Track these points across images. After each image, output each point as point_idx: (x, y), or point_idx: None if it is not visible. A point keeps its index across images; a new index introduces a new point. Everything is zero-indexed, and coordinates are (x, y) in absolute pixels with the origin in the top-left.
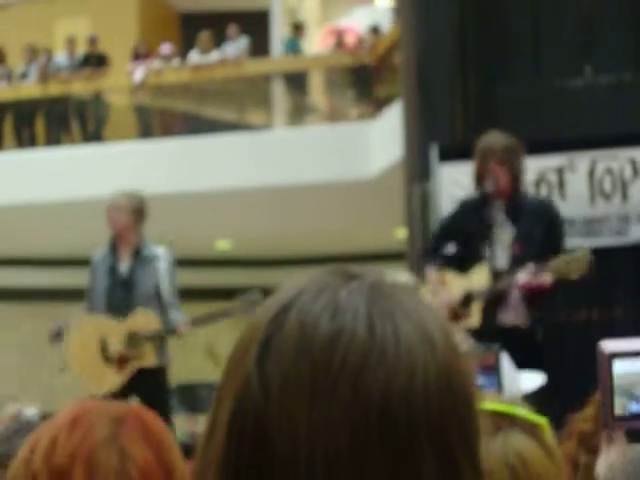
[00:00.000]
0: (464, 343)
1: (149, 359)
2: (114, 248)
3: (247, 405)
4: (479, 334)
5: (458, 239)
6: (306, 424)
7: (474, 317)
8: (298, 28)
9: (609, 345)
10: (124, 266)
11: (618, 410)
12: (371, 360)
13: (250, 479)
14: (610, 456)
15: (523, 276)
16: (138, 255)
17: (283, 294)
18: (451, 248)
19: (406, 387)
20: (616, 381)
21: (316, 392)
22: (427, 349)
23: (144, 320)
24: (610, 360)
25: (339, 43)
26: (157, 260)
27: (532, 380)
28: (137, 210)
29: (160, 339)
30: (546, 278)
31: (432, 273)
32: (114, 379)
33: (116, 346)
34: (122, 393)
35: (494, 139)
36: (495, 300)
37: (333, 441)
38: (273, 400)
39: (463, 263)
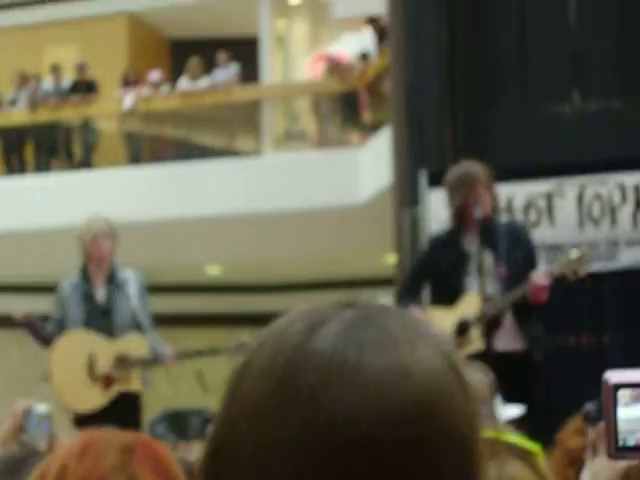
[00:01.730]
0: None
1: (134, 384)
2: (86, 275)
3: (222, 424)
4: (479, 360)
5: (433, 276)
6: (271, 442)
7: (475, 342)
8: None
9: (614, 376)
10: (100, 293)
11: (621, 442)
12: (333, 375)
13: None
14: (594, 466)
15: (539, 277)
16: (112, 281)
17: (276, 324)
18: (426, 286)
19: (374, 410)
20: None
21: (280, 408)
22: (403, 374)
23: (135, 344)
24: (615, 391)
25: (332, 68)
26: (128, 284)
27: (512, 411)
28: (116, 235)
29: (147, 365)
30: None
31: (417, 311)
32: (97, 398)
33: (104, 366)
34: (96, 416)
35: (476, 167)
36: (491, 324)
37: (293, 457)
38: (238, 418)
39: (442, 298)
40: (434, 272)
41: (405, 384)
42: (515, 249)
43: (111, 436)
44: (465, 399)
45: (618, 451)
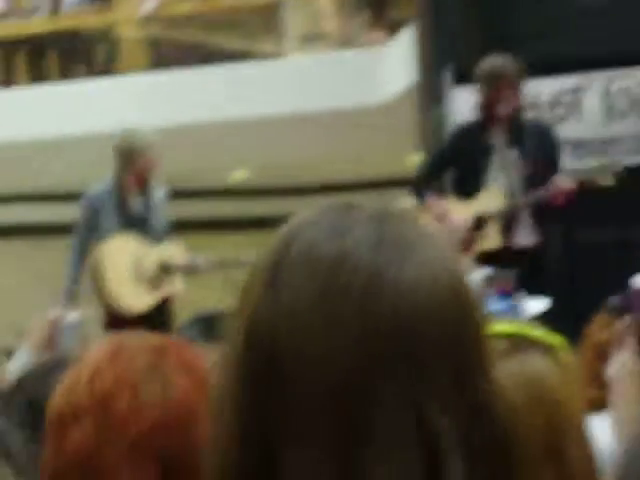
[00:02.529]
0: (470, 270)
1: (177, 287)
2: (120, 184)
3: (259, 323)
4: (496, 257)
5: (457, 165)
6: (320, 340)
7: (492, 239)
8: None
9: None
10: (135, 203)
11: None
12: (378, 277)
13: (266, 399)
14: (620, 358)
15: (563, 180)
16: (147, 192)
17: (287, 225)
18: (449, 174)
19: (415, 301)
20: None
21: (325, 311)
22: (433, 269)
23: (174, 251)
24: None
25: None
26: (156, 194)
27: (537, 305)
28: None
29: (188, 272)
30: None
31: (433, 200)
32: (146, 300)
33: (150, 269)
34: (128, 321)
35: (503, 64)
36: (509, 221)
37: (346, 357)
38: (285, 316)
39: (465, 188)
40: (457, 160)
41: (435, 286)
42: (540, 148)
43: (141, 339)
44: (474, 299)
45: None
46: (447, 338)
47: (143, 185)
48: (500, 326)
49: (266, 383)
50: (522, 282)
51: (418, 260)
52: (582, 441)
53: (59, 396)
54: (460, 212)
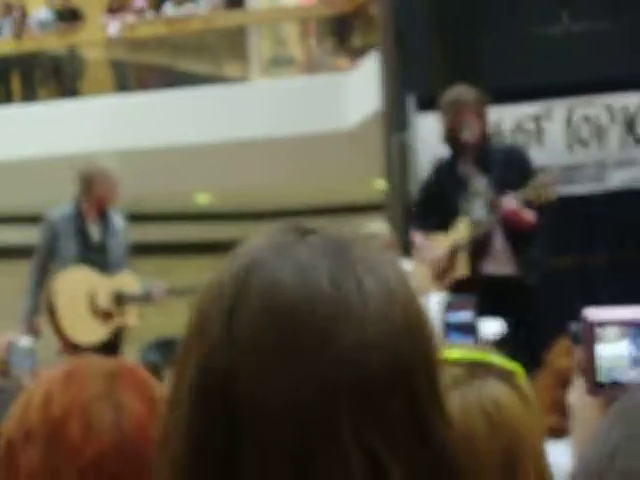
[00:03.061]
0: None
1: (131, 319)
2: (80, 210)
3: (215, 366)
4: (466, 285)
5: (436, 202)
6: (275, 377)
7: (460, 268)
8: None
9: (593, 313)
10: (94, 230)
11: (600, 378)
12: (339, 313)
13: (220, 436)
14: (580, 385)
15: (508, 202)
16: (105, 218)
17: (242, 254)
18: (433, 211)
19: (373, 338)
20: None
21: (285, 347)
22: (392, 302)
23: (128, 281)
24: (593, 328)
25: None
26: (116, 220)
27: (492, 327)
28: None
29: (140, 302)
30: (529, 214)
31: (417, 235)
32: (99, 331)
33: (104, 301)
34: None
35: (465, 92)
36: (478, 248)
37: (300, 392)
38: (242, 358)
39: (444, 221)
40: (437, 197)
41: (394, 307)
42: (508, 172)
43: (95, 363)
44: (428, 324)
45: (596, 387)
46: (399, 369)
47: (102, 212)
48: (457, 352)
49: (219, 420)
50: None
51: (373, 295)
52: (541, 468)
53: (10, 420)
54: (439, 246)
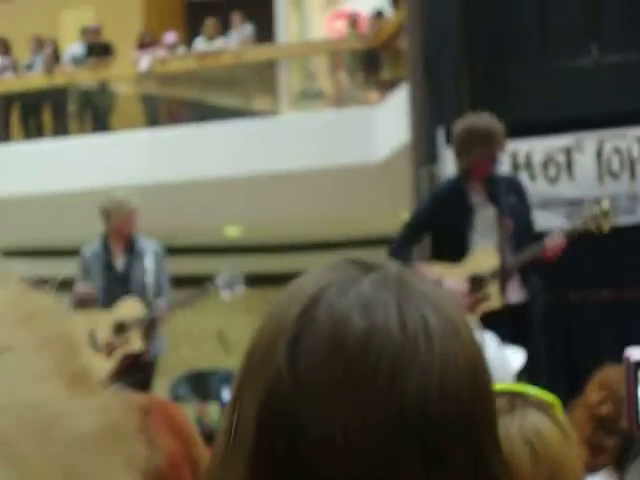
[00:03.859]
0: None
1: (135, 344)
2: (107, 245)
3: (278, 401)
4: (494, 316)
5: (436, 230)
6: (342, 419)
7: (494, 299)
8: None
9: (635, 353)
10: (119, 262)
11: None
12: (405, 356)
13: (284, 470)
14: None
15: (557, 238)
16: (132, 249)
17: (306, 287)
18: (427, 239)
19: (440, 382)
20: None
21: (351, 386)
22: (456, 341)
23: (129, 308)
24: (636, 369)
25: (353, 24)
26: (145, 254)
27: (516, 357)
28: (138, 209)
29: (148, 325)
30: (562, 239)
31: (422, 266)
32: (103, 365)
33: (104, 336)
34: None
35: (495, 124)
36: (504, 280)
37: (369, 432)
38: (306, 395)
39: (448, 251)
40: (437, 226)
41: (460, 350)
42: (517, 201)
43: (128, 398)
44: (484, 359)
45: (639, 429)
46: (465, 418)
47: (126, 243)
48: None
49: (282, 457)
50: (509, 338)
51: (440, 335)
52: None
53: None
54: (452, 275)
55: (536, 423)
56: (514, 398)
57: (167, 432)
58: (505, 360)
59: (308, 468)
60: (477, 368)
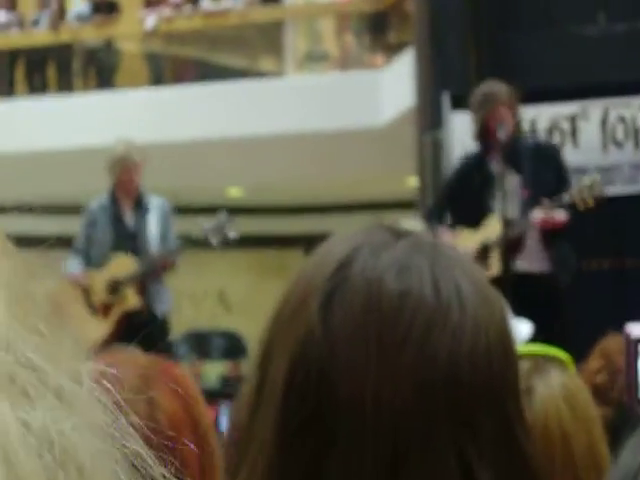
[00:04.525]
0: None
1: (130, 301)
2: (114, 199)
3: (309, 357)
4: (497, 283)
5: (461, 197)
6: (374, 380)
7: (493, 267)
8: None
9: (635, 329)
10: (128, 217)
11: None
12: (438, 321)
13: (311, 429)
14: None
15: (538, 213)
16: (139, 205)
17: (338, 248)
18: (457, 206)
19: (471, 349)
20: None
21: (383, 348)
22: (487, 309)
23: (122, 265)
24: (636, 345)
25: None
26: (151, 211)
27: (523, 328)
28: (143, 160)
29: (142, 279)
30: (560, 214)
31: (445, 233)
32: (99, 327)
33: (98, 296)
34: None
35: (498, 87)
36: (512, 247)
37: (400, 397)
38: (338, 352)
39: (471, 218)
40: (463, 193)
41: (490, 319)
42: (543, 170)
43: (130, 359)
44: (511, 329)
45: (638, 403)
46: (493, 386)
47: (136, 198)
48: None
49: (311, 416)
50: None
51: (473, 302)
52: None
53: None
54: (466, 242)
55: (567, 383)
56: (537, 359)
57: (169, 392)
58: (514, 325)
59: (336, 427)
60: (506, 340)
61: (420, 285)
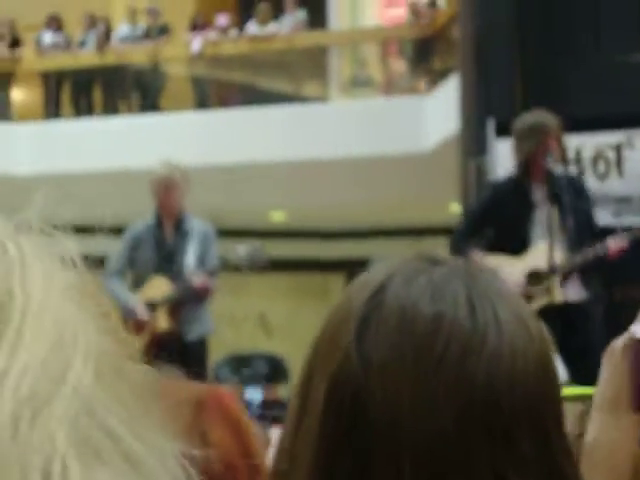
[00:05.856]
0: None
1: (161, 324)
2: (159, 219)
3: (346, 382)
4: (546, 313)
5: (497, 224)
6: (409, 403)
7: (555, 294)
8: None
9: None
10: (169, 238)
11: None
12: (474, 345)
13: (348, 455)
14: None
15: (620, 240)
16: (180, 227)
17: (374, 276)
18: (489, 232)
19: (509, 372)
20: None
21: (420, 372)
22: (525, 335)
23: (158, 286)
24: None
25: (414, 12)
26: (192, 234)
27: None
28: (187, 183)
29: (175, 303)
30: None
31: (480, 257)
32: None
33: None
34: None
35: (546, 116)
36: (565, 278)
37: (437, 421)
38: (374, 378)
39: (507, 246)
40: (498, 219)
41: (529, 344)
42: (578, 200)
43: (182, 388)
44: (552, 357)
45: None
46: (532, 410)
47: (175, 220)
48: (574, 389)
49: (350, 439)
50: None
51: (510, 326)
52: None
53: None
54: (510, 269)
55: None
56: (589, 402)
57: (221, 426)
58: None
59: (372, 450)
60: (546, 364)
61: (455, 308)
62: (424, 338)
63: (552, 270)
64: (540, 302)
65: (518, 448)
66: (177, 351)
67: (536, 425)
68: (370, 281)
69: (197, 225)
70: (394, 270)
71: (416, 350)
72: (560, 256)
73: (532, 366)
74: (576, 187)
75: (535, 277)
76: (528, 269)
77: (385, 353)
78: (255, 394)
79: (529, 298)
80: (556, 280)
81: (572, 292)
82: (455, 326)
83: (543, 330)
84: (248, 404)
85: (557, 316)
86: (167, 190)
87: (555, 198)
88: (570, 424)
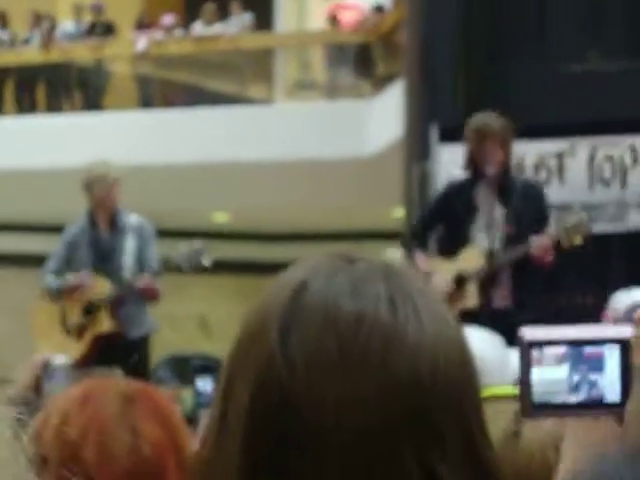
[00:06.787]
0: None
1: (103, 325)
2: (92, 220)
3: (270, 383)
4: (470, 316)
5: (445, 222)
6: (335, 398)
7: (470, 298)
8: None
9: (529, 332)
10: (105, 237)
11: (535, 400)
12: (396, 340)
13: (276, 456)
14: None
15: (545, 239)
16: (115, 223)
17: (293, 275)
18: (439, 231)
19: (431, 365)
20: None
21: (344, 368)
22: (446, 330)
23: (97, 287)
24: (529, 348)
25: (333, 21)
26: (129, 231)
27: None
28: (118, 181)
29: (114, 303)
30: (552, 254)
31: (420, 258)
32: (74, 348)
33: (74, 318)
34: (102, 364)
35: (491, 120)
36: (488, 281)
37: (363, 417)
38: (299, 377)
39: (450, 246)
40: (446, 218)
41: (449, 336)
42: (525, 207)
43: (113, 385)
44: (469, 349)
45: (531, 409)
46: (455, 401)
47: (110, 217)
48: (500, 388)
49: (275, 439)
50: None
51: (430, 320)
52: None
53: (27, 441)
54: (442, 271)
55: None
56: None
57: (152, 421)
58: (506, 361)
59: (303, 452)
60: (466, 357)
61: (376, 305)
62: (347, 335)
63: (476, 274)
64: (458, 306)
65: (442, 438)
66: (120, 350)
67: (459, 415)
68: (289, 281)
69: (132, 220)
70: (312, 269)
71: (340, 348)
72: (484, 261)
73: (452, 358)
74: (529, 193)
75: (460, 281)
76: (456, 272)
77: (310, 352)
78: (206, 385)
79: (452, 302)
80: (473, 285)
81: (499, 299)
82: (377, 322)
83: (461, 329)
84: (199, 394)
85: (477, 321)
86: (101, 188)
87: (505, 203)
88: (506, 422)
